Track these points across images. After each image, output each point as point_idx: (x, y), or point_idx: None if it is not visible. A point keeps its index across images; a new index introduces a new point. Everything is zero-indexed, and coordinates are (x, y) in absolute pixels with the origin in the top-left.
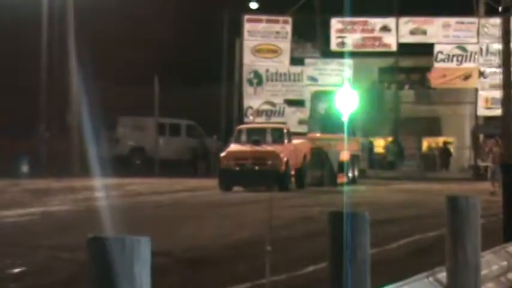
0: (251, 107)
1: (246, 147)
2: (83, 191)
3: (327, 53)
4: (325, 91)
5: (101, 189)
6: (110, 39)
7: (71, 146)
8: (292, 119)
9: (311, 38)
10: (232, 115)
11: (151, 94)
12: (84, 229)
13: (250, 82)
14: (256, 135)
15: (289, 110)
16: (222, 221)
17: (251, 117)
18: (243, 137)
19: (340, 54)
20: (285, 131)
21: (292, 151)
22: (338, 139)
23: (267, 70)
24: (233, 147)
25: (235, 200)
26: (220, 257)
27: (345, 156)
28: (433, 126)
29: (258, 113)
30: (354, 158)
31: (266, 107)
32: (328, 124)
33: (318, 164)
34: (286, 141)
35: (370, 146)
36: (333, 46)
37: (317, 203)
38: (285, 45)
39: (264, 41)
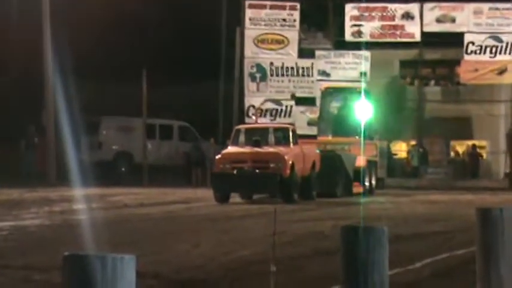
0: (253, 106)
1: (245, 149)
2: (59, 202)
3: (341, 44)
4: (337, 87)
5: (81, 200)
6: (89, 27)
7: (47, 150)
8: (301, 119)
9: (322, 26)
10: (232, 115)
11: (139, 91)
12: (60, 246)
13: (253, 77)
14: (257, 136)
15: (297, 109)
16: (220, 237)
17: (253, 118)
18: (242, 138)
19: (355, 45)
20: (291, 131)
21: (299, 155)
22: (352, 143)
23: (272, 63)
24: (230, 149)
25: (235, 213)
26: (218, 279)
27: (361, 162)
28: (463, 128)
29: (261, 112)
30: (371, 165)
31: (270, 105)
32: (341, 126)
33: (330, 172)
34: (292, 143)
35: (389, 151)
36: (348, 36)
37: (330, 216)
38: (293, 34)
39: (268, 30)
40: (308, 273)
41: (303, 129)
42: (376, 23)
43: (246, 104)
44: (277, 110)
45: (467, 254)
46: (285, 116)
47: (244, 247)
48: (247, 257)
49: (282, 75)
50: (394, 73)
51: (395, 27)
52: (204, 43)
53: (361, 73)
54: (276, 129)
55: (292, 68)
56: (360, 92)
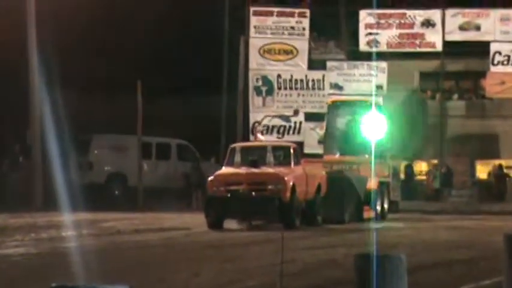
0: (259, 122)
1: (240, 170)
2: (47, 228)
3: (355, 54)
4: (345, 101)
5: (70, 226)
6: (79, 38)
7: (33, 172)
8: (311, 137)
9: (334, 35)
10: (235, 133)
11: (133, 106)
12: (48, 276)
13: (258, 91)
14: (254, 155)
15: (306, 125)
16: (223, 266)
17: (259, 135)
18: (237, 158)
19: (371, 56)
20: (292, 150)
21: (301, 176)
22: (362, 162)
23: (279, 76)
24: (224, 169)
25: (239, 240)
26: None
27: (371, 184)
28: (489, 146)
29: (265, 129)
30: (383, 187)
31: (277, 122)
32: (350, 143)
33: (337, 195)
34: (293, 163)
35: (412, 172)
36: (362, 45)
37: (342, 243)
38: (302, 44)
39: (275, 39)
40: None
41: (312, 148)
42: (394, 31)
43: (251, 120)
44: (285, 126)
45: (494, 285)
46: (293, 133)
47: (250, 277)
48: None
49: (291, 88)
50: (413, 86)
51: (414, 35)
52: (205, 53)
53: (377, 86)
54: (275, 148)
55: (301, 80)
56: (370, 106)
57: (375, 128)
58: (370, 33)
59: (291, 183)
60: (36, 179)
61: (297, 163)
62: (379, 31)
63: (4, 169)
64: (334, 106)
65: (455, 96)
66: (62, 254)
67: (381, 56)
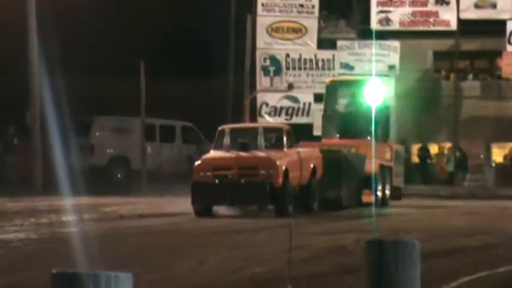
0: (267, 103)
1: (230, 154)
2: (47, 213)
3: (366, 33)
4: (344, 80)
5: (71, 211)
6: (80, 14)
7: (32, 155)
8: (320, 119)
9: (345, 13)
10: (242, 114)
11: (136, 87)
12: (48, 263)
13: (266, 71)
14: (244, 138)
15: (316, 107)
16: (230, 253)
17: (267, 117)
18: (227, 141)
19: (383, 35)
20: (285, 132)
21: (295, 160)
22: (361, 145)
23: (288, 55)
24: (212, 153)
25: (246, 226)
26: None
27: (372, 166)
28: (505, 128)
29: (275, 111)
30: (385, 171)
31: (286, 103)
32: (349, 125)
33: (334, 176)
34: (286, 146)
35: (425, 155)
36: (374, 24)
37: (352, 228)
38: (311, 22)
39: (283, 17)
40: None
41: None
42: (407, 9)
43: (259, 101)
44: (293, 108)
45: (510, 271)
46: (302, 114)
47: (257, 264)
48: (260, 275)
49: (299, 68)
50: (426, 66)
51: (428, 13)
52: (210, 32)
53: (389, 66)
54: (267, 130)
55: (310, 60)
56: (371, 85)
57: (376, 108)
58: (382, 11)
59: (284, 168)
60: (36, 162)
61: (290, 146)
62: (391, 9)
63: (5, 143)
64: (333, 86)
65: (470, 76)
66: (63, 240)
67: (393, 34)
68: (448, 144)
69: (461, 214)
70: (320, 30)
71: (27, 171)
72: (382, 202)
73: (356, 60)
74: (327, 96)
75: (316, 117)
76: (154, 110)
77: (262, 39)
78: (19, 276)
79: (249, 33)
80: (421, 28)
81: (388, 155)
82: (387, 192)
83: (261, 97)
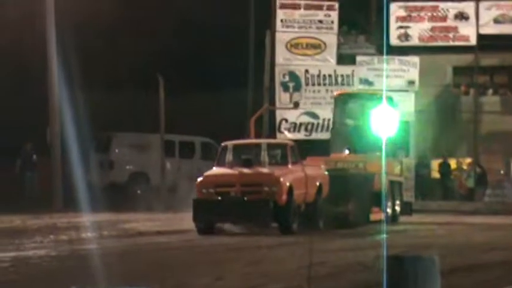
0: (286, 120)
1: (232, 170)
2: (66, 230)
3: (386, 49)
4: (353, 93)
5: (90, 227)
6: (99, 31)
7: (52, 172)
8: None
9: (364, 29)
10: (261, 130)
11: (154, 103)
12: (68, 279)
13: (285, 87)
14: (248, 154)
15: None
16: (248, 269)
17: (286, 133)
18: (229, 157)
19: (402, 50)
20: (290, 148)
21: (300, 177)
22: (369, 161)
23: (307, 71)
24: (214, 170)
25: (264, 242)
26: None
27: (381, 183)
28: None
29: (295, 127)
30: (394, 187)
31: (305, 119)
32: (359, 140)
33: (340, 195)
34: (290, 162)
35: (446, 170)
36: (393, 39)
37: (371, 244)
38: (331, 38)
39: (302, 33)
40: None
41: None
42: (426, 25)
43: (278, 118)
44: (313, 124)
45: None
46: (322, 130)
47: (275, 281)
48: None
49: (319, 84)
50: (446, 81)
51: (447, 29)
52: (229, 48)
53: (408, 81)
54: (271, 146)
55: (330, 75)
56: (381, 99)
57: (386, 123)
58: (402, 27)
59: (288, 185)
60: (56, 179)
61: (295, 162)
62: (410, 24)
63: (17, 169)
64: (341, 99)
65: (490, 91)
66: (82, 256)
67: (413, 50)
68: (467, 160)
69: (481, 229)
70: (339, 45)
71: (46, 187)
72: (393, 219)
73: (376, 76)
74: (336, 110)
75: None
76: (174, 125)
77: (282, 55)
78: None
79: (268, 49)
80: (440, 43)
81: (397, 170)
82: (397, 208)
83: (280, 113)
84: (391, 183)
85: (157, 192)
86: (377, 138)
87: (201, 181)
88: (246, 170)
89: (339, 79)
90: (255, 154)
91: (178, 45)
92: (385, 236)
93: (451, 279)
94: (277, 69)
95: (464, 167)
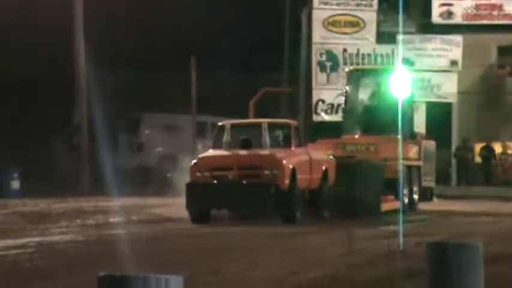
0: (323, 101)
1: (230, 152)
2: (93, 214)
3: (427, 27)
4: (367, 69)
5: (118, 212)
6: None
7: (79, 154)
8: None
9: (405, 6)
10: (297, 112)
11: (186, 83)
12: (95, 265)
13: (322, 66)
14: (247, 135)
15: None
16: (283, 256)
17: (323, 115)
18: (227, 138)
19: (444, 29)
20: (293, 128)
21: (304, 160)
22: (381, 143)
23: (345, 50)
24: (210, 152)
25: (300, 228)
26: None
27: (393, 170)
28: None
29: (332, 108)
30: (412, 172)
31: (343, 100)
32: (373, 120)
33: (347, 185)
34: (294, 144)
35: (489, 154)
36: (436, 17)
37: (411, 231)
38: (370, 16)
39: (340, 10)
40: None
41: None
42: (470, 2)
43: (314, 98)
44: None
45: None
46: None
47: (313, 268)
48: (316, 279)
49: (357, 63)
50: (490, 61)
51: (492, 6)
52: (264, 27)
53: (451, 61)
54: (272, 126)
55: (369, 55)
56: (397, 75)
57: (402, 101)
58: (444, 4)
59: (291, 168)
60: (83, 162)
61: (298, 144)
62: (453, 2)
63: (58, 150)
64: (354, 75)
65: None
66: (110, 242)
67: (456, 28)
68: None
69: None
70: (379, 23)
71: (73, 170)
72: (410, 207)
73: (417, 55)
74: (348, 87)
75: None
76: (205, 106)
77: (319, 34)
78: (64, 280)
79: (304, 27)
80: (484, 22)
81: (414, 154)
82: (415, 195)
83: (316, 94)
84: (408, 168)
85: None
86: (393, 118)
87: (195, 163)
88: (245, 152)
89: (379, 59)
90: (255, 135)
91: (211, 25)
92: (410, 224)
93: (495, 267)
94: (314, 48)
95: (510, 151)
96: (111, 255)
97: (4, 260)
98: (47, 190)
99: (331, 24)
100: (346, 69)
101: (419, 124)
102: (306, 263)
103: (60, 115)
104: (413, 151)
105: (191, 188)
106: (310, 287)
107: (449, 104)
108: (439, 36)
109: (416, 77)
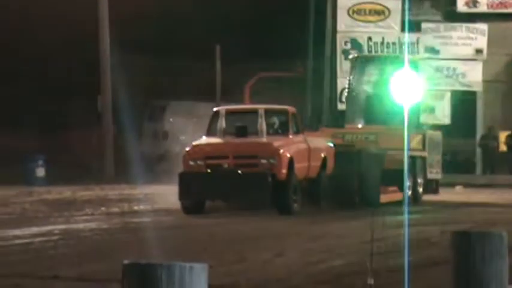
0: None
1: (225, 140)
2: (118, 202)
3: (452, 15)
4: (371, 57)
5: (143, 200)
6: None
7: (103, 142)
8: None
9: None
10: (322, 100)
11: (210, 71)
12: (119, 253)
13: (347, 55)
14: (243, 122)
15: None
16: (307, 245)
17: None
18: (222, 125)
19: (470, 17)
20: (291, 115)
21: (302, 149)
22: (382, 133)
23: (370, 38)
24: (204, 139)
25: (323, 217)
26: None
27: (393, 160)
28: None
29: None
30: (416, 163)
31: None
32: (377, 110)
33: (346, 175)
34: (291, 131)
35: None
36: (461, 6)
37: (435, 220)
38: (395, 4)
39: None
40: (412, 286)
41: None
42: None
43: (339, 87)
44: None
45: None
46: None
47: (336, 256)
48: (340, 268)
49: (382, 52)
50: None
51: None
52: (288, 15)
53: (476, 50)
54: (269, 113)
55: (394, 43)
56: (403, 63)
57: (408, 90)
58: None
59: (288, 157)
60: (107, 149)
61: (296, 132)
62: None
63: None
64: (359, 62)
65: None
66: (134, 230)
67: (481, 17)
68: None
69: None
70: (404, 12)
71: (97, 158)
72: (413, 200)
73: (442, 44)
74: (352, 75)
75: None
76: (230, 95)
77: (343, 22)
78: (89, 268)
79: (329, 15)
80: (510, 10)
81: (417, 144)
82: (419, 187)
83: (342, 82)
84: (412, 158)
85: None
86: (397, 108)
87: (188, 152)
88: (240, 140)
89: (404, 47)
90: (251, 122)
91: (236, 14)
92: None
93: None
94: (338, 37)
95: None
96: (135, 243)
97: (28, 247)
98: (71, 178)
99: (355, 12)
100: (350, 56)
101: (445, 113)
102: (329, 251)
103: (87, 104)
104: (415, 141)
105: (184, 178)
106: (332, 275)
107: (474, 93)
108: (464, 25)
109: (441, 65)
